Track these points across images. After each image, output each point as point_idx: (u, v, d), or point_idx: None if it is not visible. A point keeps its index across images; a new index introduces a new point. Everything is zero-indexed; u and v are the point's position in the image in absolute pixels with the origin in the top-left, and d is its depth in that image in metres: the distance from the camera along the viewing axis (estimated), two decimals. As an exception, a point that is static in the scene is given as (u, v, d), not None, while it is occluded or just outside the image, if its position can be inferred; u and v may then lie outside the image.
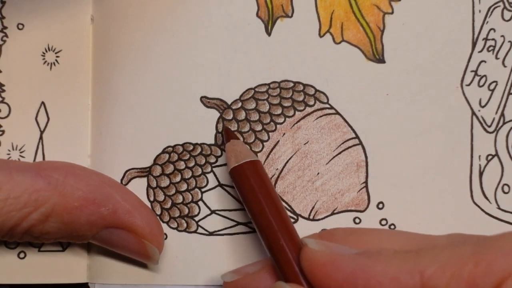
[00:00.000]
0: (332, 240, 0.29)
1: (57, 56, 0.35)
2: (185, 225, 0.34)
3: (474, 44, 0.34)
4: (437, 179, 0.33)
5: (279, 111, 0.34)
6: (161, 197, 0.34)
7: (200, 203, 0.34)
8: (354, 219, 0.33)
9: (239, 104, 0.34)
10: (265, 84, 0.34)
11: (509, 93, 0.34)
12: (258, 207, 0.30)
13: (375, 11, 0.34)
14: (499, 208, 0.33)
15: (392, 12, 0.34)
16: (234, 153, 0.32)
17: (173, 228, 0.34)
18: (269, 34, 0.34)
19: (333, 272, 0.26)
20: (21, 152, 0.35)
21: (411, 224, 0.33)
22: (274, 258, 0.29)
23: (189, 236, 0.34)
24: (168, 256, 0.34)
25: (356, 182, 0.34)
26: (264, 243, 0.30)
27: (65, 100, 0.35)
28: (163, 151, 0.34)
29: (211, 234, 0.34)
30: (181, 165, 0.34)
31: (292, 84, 0.34)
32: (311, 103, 0.34)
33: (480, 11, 0.34)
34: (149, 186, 0.35)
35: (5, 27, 0.35)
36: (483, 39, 0.34)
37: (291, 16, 0.34)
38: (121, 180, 0.34)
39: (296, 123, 0.34)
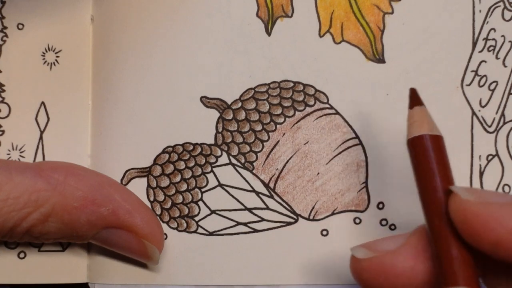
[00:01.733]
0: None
1: (57, 56, 0.35)
2: (185, 225, 0.34)
3: (474, 44, 0.34)
4: (437, 179, 0.33)
5: (279, 111, 0.34)
6: (161, 197, 0.34)
7: (200, 203, 0.34)
8: (354, 219, 0.33)
9: (239, 104, 0.34)
10: (265, 84, 0.34)
11: (509, 93, 0.34)
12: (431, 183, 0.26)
13: (375, 11, 0.34)
14: (499, 208, 0.33)
15: (392, 12, 0.34)
16: (427, 119, 0.28)
17: (173, 228, 0.34)
18: (269, 34, 0.34)
19: (491, 225, 0.22)
20: (21, 152, 0.35)
21: (411, 224, 0.33)
22: (435, 245, 0.25)
23: (189, 236, 0.34)
24: (168, 256, 0.34)
25: (356, 182, 0.34)
26: (425, 215, 0.27)
27: (65, 100, 0.35)
28: (163, 151, 0.34)
29: (211, 234, 0.34)
30: (181, 165, 0.34)
31: (292, 84, 0.34)
32: (311, 103, 0.34)
33: (480, 11, 0.34)
34: (149, 186, 0.35)
35: (5, 27, 0.35)
36: (483, 39, 0.34)
37: (291, 16, 0.34)
38: (121, 180, 0.34)
39: (296, 123, 0.34)
